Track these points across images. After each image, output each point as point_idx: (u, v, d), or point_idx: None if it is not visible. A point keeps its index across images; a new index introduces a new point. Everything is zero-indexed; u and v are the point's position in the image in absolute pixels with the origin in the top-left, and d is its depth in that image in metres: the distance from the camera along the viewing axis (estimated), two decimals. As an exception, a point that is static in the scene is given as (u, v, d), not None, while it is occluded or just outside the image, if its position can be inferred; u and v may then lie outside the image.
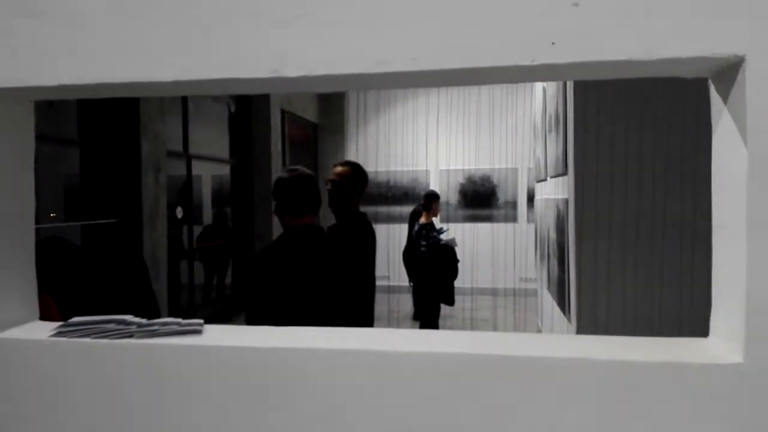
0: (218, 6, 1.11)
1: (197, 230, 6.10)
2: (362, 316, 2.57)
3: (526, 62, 1.01)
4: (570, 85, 3.30)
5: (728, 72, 1.01)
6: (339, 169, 3.06)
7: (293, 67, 1.09)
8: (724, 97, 1.04)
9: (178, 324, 1.23)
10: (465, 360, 1.08)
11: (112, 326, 1.23)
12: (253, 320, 2.21)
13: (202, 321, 1.26)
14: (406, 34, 1.05)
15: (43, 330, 1.28)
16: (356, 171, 3.06)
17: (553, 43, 1.00)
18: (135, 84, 1.16)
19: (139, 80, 1.15)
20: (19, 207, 1.35)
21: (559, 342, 1.17)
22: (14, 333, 1.28)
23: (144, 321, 1.26)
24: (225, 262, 6.91)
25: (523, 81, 1.17)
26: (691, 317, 2.86)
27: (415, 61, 1.04)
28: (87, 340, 1.21)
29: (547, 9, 1.00)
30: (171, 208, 5.30)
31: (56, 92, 1.24)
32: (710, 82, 1.09)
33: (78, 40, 1.16)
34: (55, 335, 1.23)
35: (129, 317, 1.28)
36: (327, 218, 3.10)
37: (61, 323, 1.28)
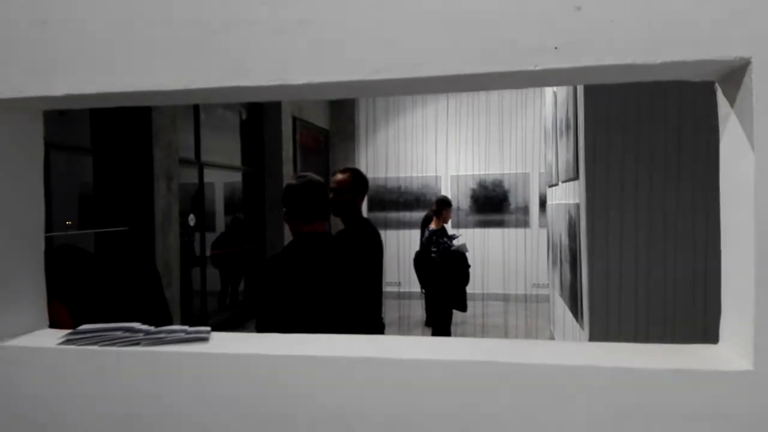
0: (222, 14, 1.12)
1: (210, 237, 6.13)
2: (372, 323, 2.57)
3: (529, 67, 1.01)
4: (580, 89, 3.28)
5: (734, 75, 1.00)
6: (339, 176, 3.06)
7: (298, 74, 1.10)
8: (731, 101, 1.03)
9: (185, 331, 1.24)
10: (475, 368, 1.08)
11: (119, 334, 1.24)
12: (263, 327, 2.21)
13: (209, 328, 1.27)
14: (408, 41, 1.05)
15: (52, 338, 1.29)
16: (356, 177, 3.06)
17: (556, 48, 1.00)
18: (141, 93, 1.17)
19: (145, 89, 1.16)
20: (29, 215, 1.36)
21: (568, 349, 1.15)
22: (23, 341, 1.29)
23: (151, 328, 1.27)
24: (239, 269, 6.94)
25: (527, 86, 1.17)
26: (704, 323, 2.82)
27: (417, 67, 1.04)
28: (95, 347, 1.22)
29: (549, 13, 1.00)
30: (183, 216, 5.34)
31: (64, 102, 1.26)
32: (717, 85, 1.08)
33: (84, 49, 1.17)
34: (64, 343, 1.24)
35: (137, 325, 1.29)
36: (338, 225, 3.11)
37: (69, 331, 1.29)
